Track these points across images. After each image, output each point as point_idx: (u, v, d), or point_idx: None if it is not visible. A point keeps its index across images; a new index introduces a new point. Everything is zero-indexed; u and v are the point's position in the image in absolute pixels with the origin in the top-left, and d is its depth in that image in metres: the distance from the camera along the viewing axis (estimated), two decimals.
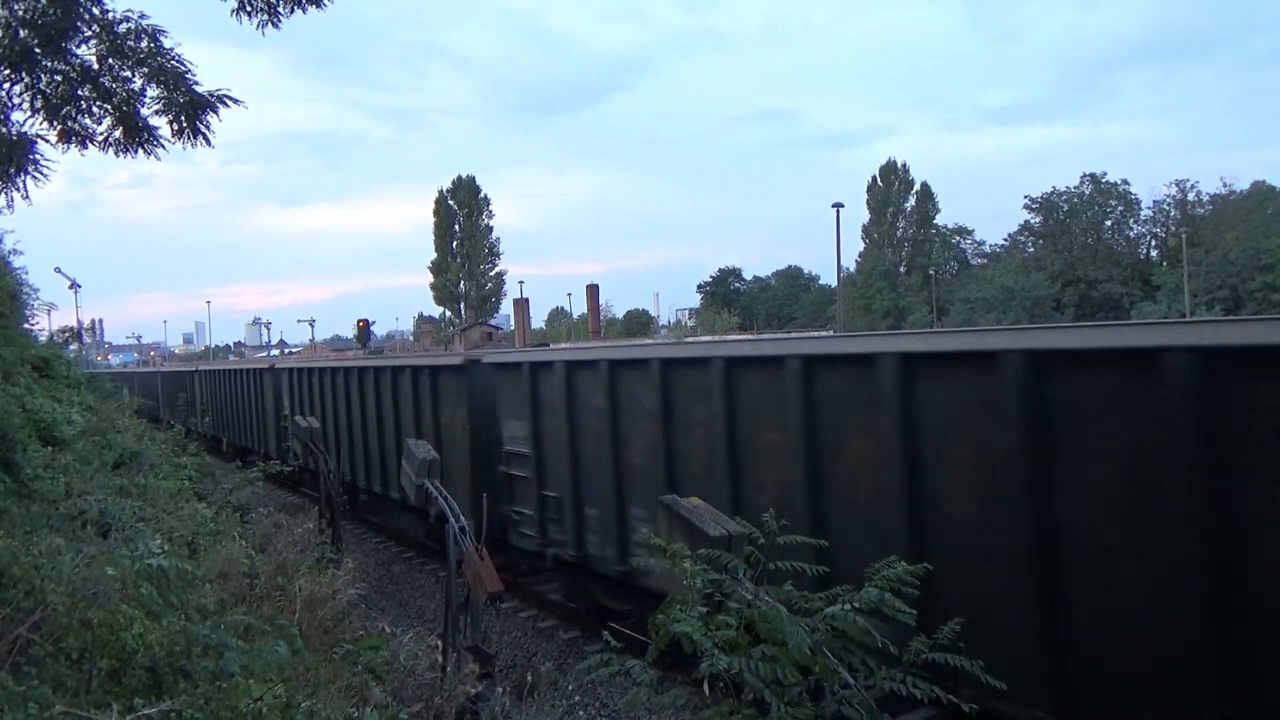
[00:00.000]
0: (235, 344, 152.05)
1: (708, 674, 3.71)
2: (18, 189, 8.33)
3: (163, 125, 8.28)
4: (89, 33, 7.91)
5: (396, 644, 8.22)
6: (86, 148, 8.42)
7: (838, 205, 58.68)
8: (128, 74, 8.12)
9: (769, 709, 3.66)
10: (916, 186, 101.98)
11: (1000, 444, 5.72)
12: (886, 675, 3.73)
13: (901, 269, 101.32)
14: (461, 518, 7.83)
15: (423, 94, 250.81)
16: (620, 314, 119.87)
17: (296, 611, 7.35)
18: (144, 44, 7.94)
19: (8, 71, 7.81)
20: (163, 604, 5.62)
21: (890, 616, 3.78)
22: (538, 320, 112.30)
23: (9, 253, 22.01)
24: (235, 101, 8.27)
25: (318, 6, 8.23)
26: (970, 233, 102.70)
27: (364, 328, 69.07)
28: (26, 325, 22.95)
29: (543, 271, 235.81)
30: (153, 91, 8.14)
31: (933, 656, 3.77)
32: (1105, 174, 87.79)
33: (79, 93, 8.12)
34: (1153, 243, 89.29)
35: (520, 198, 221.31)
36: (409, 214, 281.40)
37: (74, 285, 62.46)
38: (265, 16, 8.05)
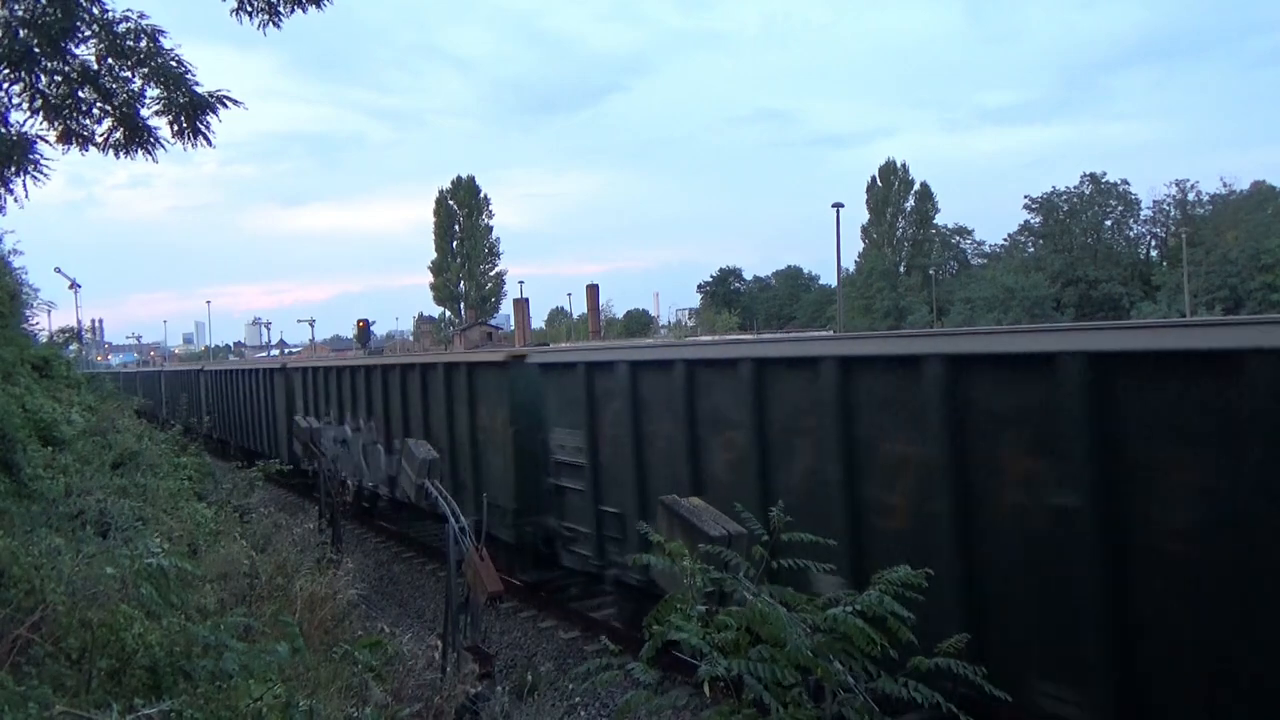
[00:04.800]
0: (235, 344, 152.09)
1: (706, 678, 3.70)
2: (10, 192, 8.31)
3: (163, 126, 8.29)
4: (88, 33, 7.91)
5: (396, 644, 8.22)
6: (86, 149, 8.42)
7: (838, 205, 58.65)
8: (128, 74, 8.12)
9: (769, 709, 3.66)
10: (916, 186, 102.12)
11: None
12: (888, 679, 3.71)
13: (901, 269, 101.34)
14: (462, 518, 7.83)
15: (421, 94, 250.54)
16: (620, 314, 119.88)
17: (297, 612, 7.34)
18: (144, 44, 7.94)
19: (7, 71, 7.81)
20: (163, 604, 5.63)
21: (893, 620, 3.76)
22: (538, 320, 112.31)
23: (9, 253, 22.00)
24: (235, 102, 8.27)
25: (318, 6, 8.23)
26: (970, 233, 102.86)
27: (364, 328, 69.13)
28: (26, 325, 22.91)
29: (543, 271, 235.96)
30: (152, 92, 8.15)
31: (935, 663, 3.75)
32: (1105, 174, 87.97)
33: (79, 93, 8.12)
34: (1153, 243, 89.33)
35: (520, 198, 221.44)
36: (409, 214, 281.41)
37: (74, 285, 62.48)
38: (266, 16, 8.05)
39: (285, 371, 22.23)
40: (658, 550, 4.37)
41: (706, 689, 3.91)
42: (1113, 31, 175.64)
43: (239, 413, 26.65)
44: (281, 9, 8.08)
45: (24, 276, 23.12)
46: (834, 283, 78.63)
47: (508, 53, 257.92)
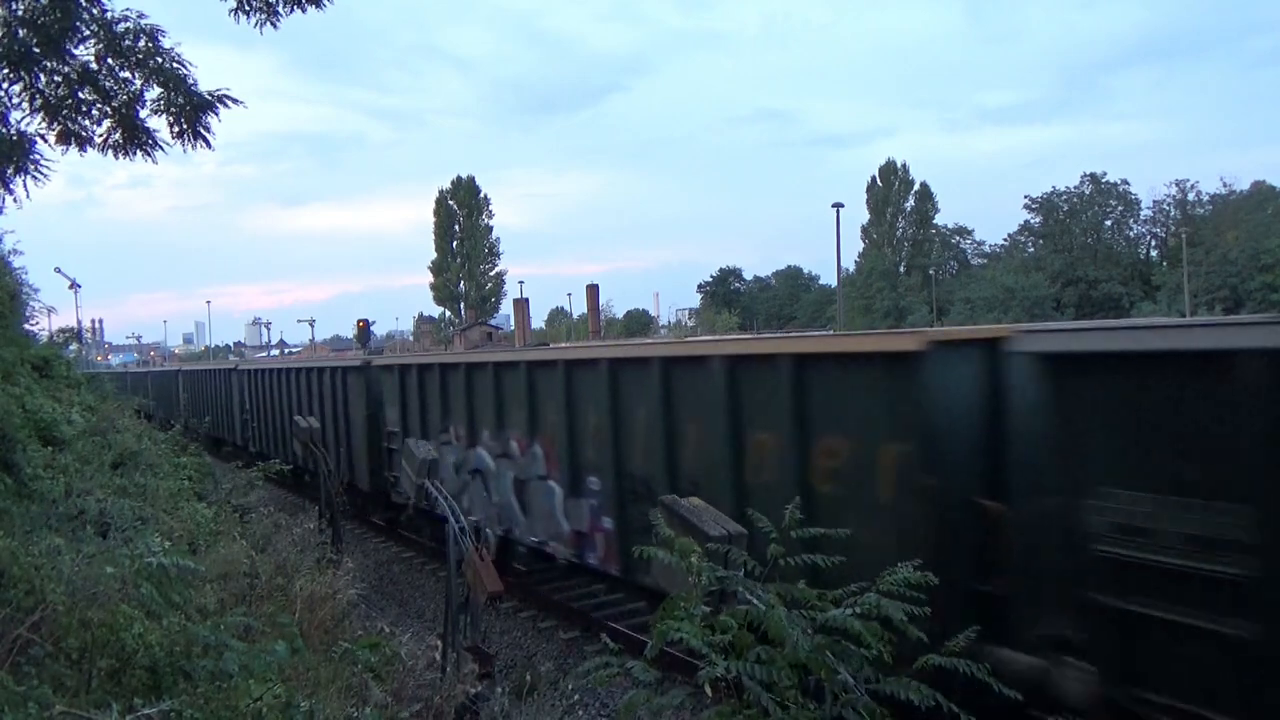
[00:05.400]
0: (235, 344, 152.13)
1: (706, 680, 3.70)
2: (10, 192, 8.30)
3: (162, 127, 8.28)
4: (88, 32, 7.90)
5: (396, 644, 8.22)
6: (85, 149, 8.41)
7: (838, 205, 58.62)
8: (127, 74, 8.11)
9: (768, 711, 3.65)
10: (916, 186, 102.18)
11: None
12: (888, 681, 3.70)
13: (901, 269, 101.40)
14: (462, 518, 7.83)
15: (421, 94, 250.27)
16: (620, 314, 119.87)
17: (297, 612, 7.34)
18: (143, 44, 7.93)
19: (7, 71, 7.80)
20: (163, 604, 5.63)
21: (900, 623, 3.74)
22: (538, 320, 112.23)
23: (9, 253, 21.93)
24: (235, 102, 8.26)
25: (317, 6, 8.22)
26: (970, 233, 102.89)
27: (364, 328, 69.00)
28: (27, 326, 22.87)
29: (543, 271, 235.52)
30: (152, 92, 8.14)
31: (940, 662, 3.74)
32: (1105, 174, 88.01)
33: (79, 93, 8.11)
34: (1153, 243, 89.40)
35: (520, 198, 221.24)
36: (409, 214, 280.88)
37: (74, 285, 62.36)
38: (264, 16, 8.04)
39: (368, 371, 17.07)
40: (663, 547, 4.37)
41: (708, 689, 3.91)
42: (1113, 31, 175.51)
43: (290, 424, 20.66)
44: (280, 9, 8.07)
45: (24, 276, 23.04)
46: (834, 283, 78.69)
47: (508, 53, 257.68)
